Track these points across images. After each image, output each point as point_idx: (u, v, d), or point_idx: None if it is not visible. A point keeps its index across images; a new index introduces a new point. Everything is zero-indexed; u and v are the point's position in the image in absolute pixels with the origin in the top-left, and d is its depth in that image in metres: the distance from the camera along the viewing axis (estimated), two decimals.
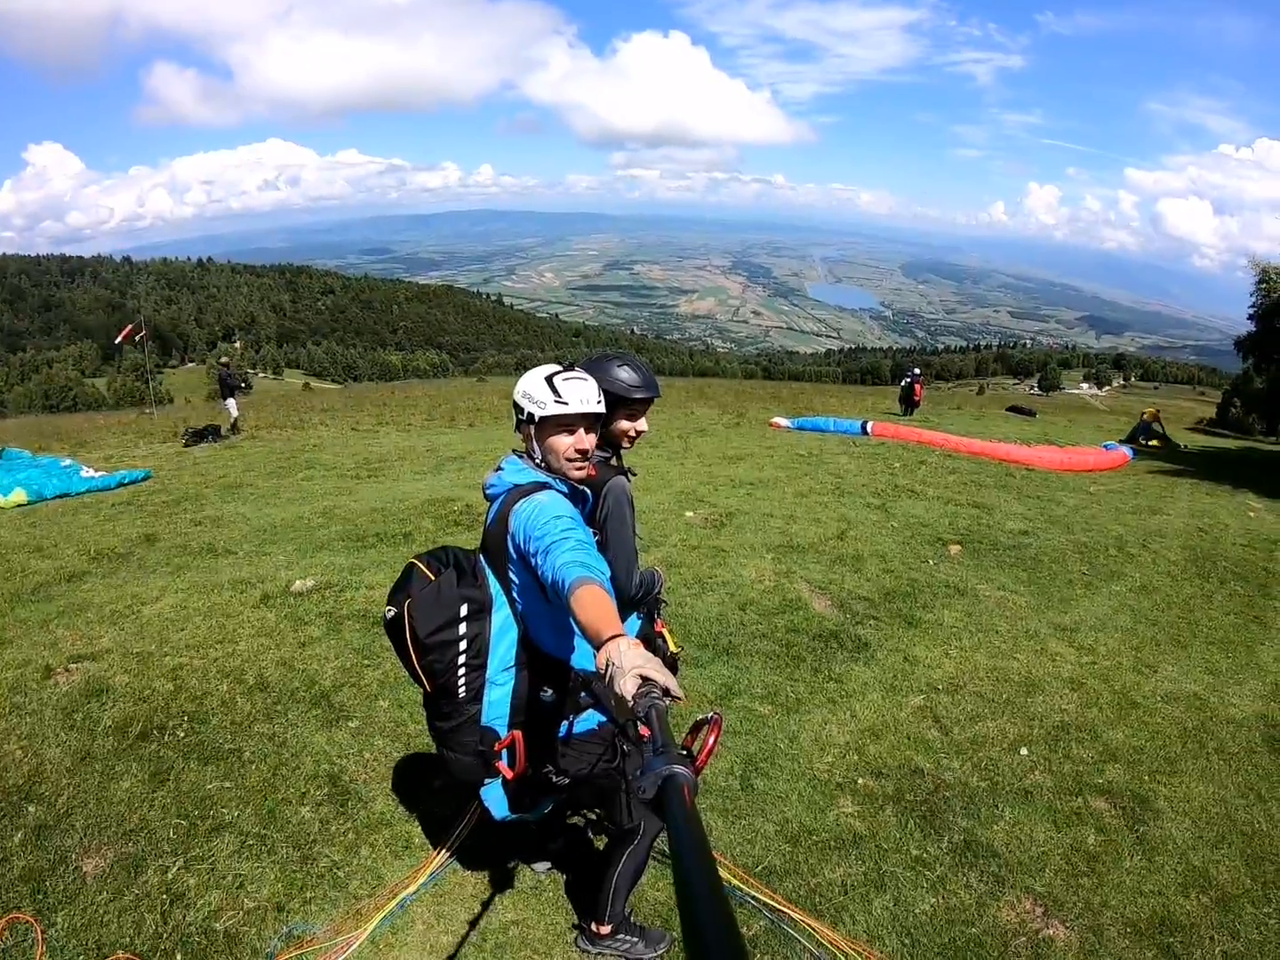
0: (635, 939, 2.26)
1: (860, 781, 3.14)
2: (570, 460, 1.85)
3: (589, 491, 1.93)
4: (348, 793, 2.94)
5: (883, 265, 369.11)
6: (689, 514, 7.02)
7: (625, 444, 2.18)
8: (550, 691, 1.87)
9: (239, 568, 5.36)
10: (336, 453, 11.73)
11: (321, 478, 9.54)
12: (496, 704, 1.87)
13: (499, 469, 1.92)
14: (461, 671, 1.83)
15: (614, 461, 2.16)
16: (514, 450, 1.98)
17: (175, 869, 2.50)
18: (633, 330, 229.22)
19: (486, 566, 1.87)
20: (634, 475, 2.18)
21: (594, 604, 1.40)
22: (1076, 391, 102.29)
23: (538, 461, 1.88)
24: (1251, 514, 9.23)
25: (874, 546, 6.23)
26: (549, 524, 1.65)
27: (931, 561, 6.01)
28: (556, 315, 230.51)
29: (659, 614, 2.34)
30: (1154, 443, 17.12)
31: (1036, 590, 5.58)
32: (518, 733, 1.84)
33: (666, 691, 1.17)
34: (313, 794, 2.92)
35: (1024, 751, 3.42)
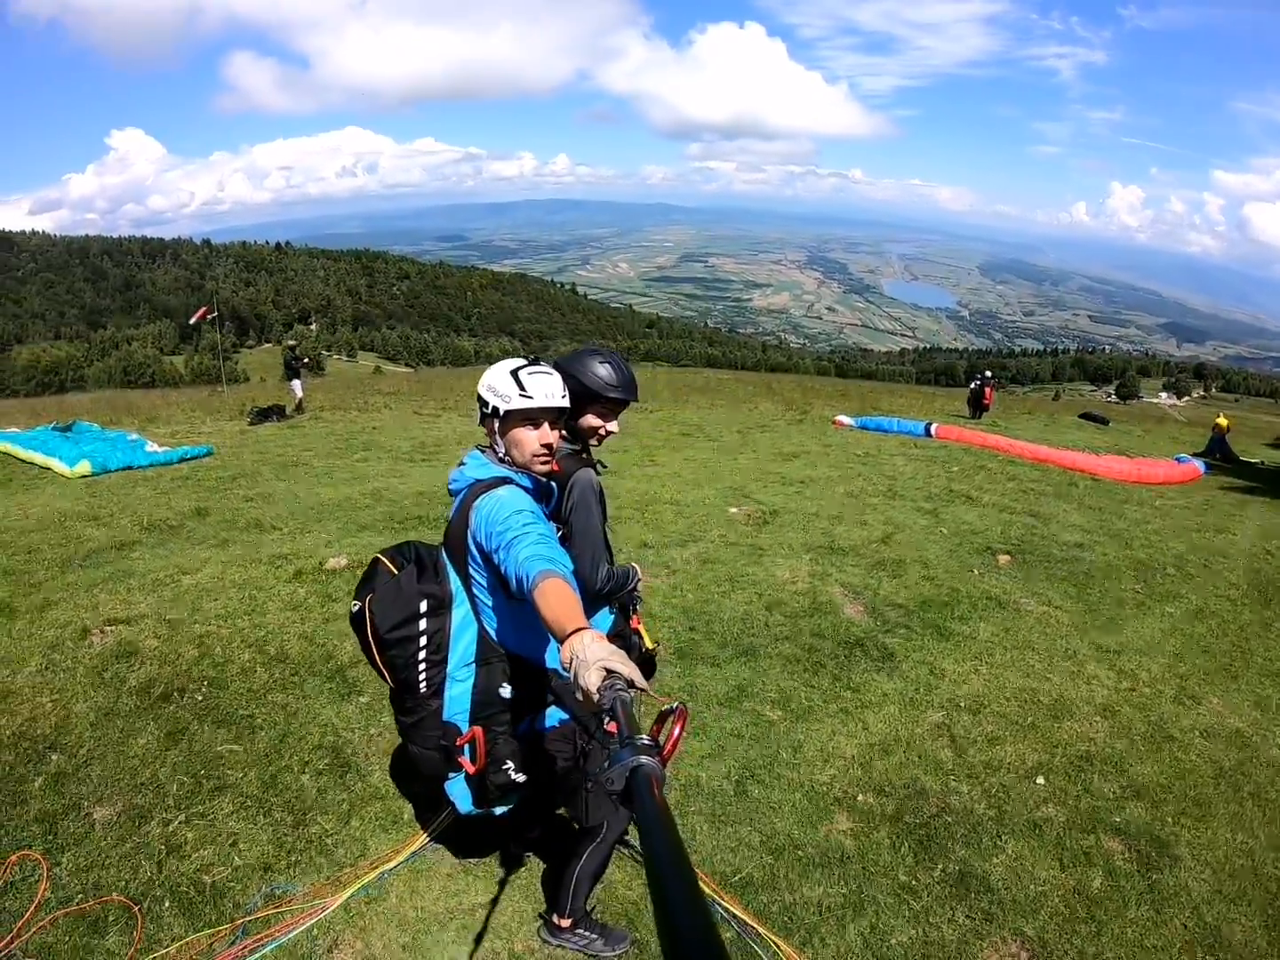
0: (595, 936, 2.25)
1: (860, 798, 3.03)
2: (536, 455, 1.82)
3: (554, 486, 1.91)
4: (348, 765, 3.03)
5: (960, 264, 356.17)
6: (732, 510, 6.94)
7: (594, 441, 2.14)
8: (510, 688, 1.86)
9: (280, 544, 5.54)
10: (395, 435, 11.98)
11: (377, 459, 9.77)
12: (457, 699, 1.87)
13: (462, 464, 1.91)
14: (422, 667, 1.84)
15: (584, 455, 2.13)
16: (478, 445, 1.96)
17: (176, 823, 2.64)
18: (706, 323, 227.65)
19: (448, 562, 1.87)
20: (604, 468, 2.15)
21: (557, 598, 1.38)
22: (1155, 401, 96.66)
23: (501, 456, 1.86)
24: None
25: (918, 552, 6.02)
26: (510, 519, 1.64)
27: (976, 571, 5.76)
28: (630, 306, 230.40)
29: (635, 610, 2.31)
30: (1222, 460, 16.06)
31: (1084, 608, 5.29)
32: (479, 729, 1.83)
33: (631, 683, 1.15)
34: (315, 763, 3.02)
35: (1040, 781, 3.23)
